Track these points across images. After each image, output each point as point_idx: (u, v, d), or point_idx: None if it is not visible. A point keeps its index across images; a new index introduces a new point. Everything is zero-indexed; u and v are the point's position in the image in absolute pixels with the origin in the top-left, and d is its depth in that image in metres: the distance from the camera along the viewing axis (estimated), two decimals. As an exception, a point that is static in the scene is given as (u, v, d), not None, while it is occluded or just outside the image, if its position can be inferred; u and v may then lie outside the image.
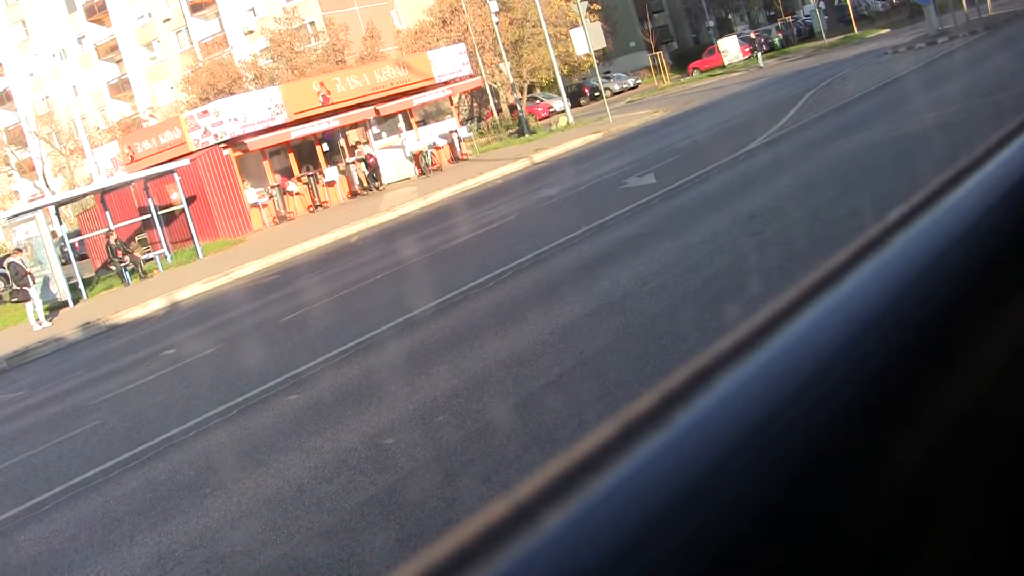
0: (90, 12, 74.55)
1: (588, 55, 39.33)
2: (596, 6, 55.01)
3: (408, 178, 35.69)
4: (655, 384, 0.47)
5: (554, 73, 44.15)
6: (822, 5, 60.27)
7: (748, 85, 37.67)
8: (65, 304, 24.97)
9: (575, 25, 42.26)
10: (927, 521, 0.51)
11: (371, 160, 34.83)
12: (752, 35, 57.91)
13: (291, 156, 34.42)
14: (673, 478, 0.42)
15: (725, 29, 71.05)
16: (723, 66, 57.91)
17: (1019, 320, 0.62)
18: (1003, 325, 0.61)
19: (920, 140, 12.84)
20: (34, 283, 22.85)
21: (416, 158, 36.00)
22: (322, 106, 34.39)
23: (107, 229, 28.16)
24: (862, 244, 0.60)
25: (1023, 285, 0.64)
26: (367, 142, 36.01)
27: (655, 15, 73.63)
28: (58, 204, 32.44)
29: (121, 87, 75.07)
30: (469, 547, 0.39)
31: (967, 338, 0.58)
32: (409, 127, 36.95)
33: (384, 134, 36.67)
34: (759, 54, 53.33)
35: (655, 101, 45.90)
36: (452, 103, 40.57)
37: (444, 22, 55.81)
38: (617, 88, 62.37)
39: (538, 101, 57.15)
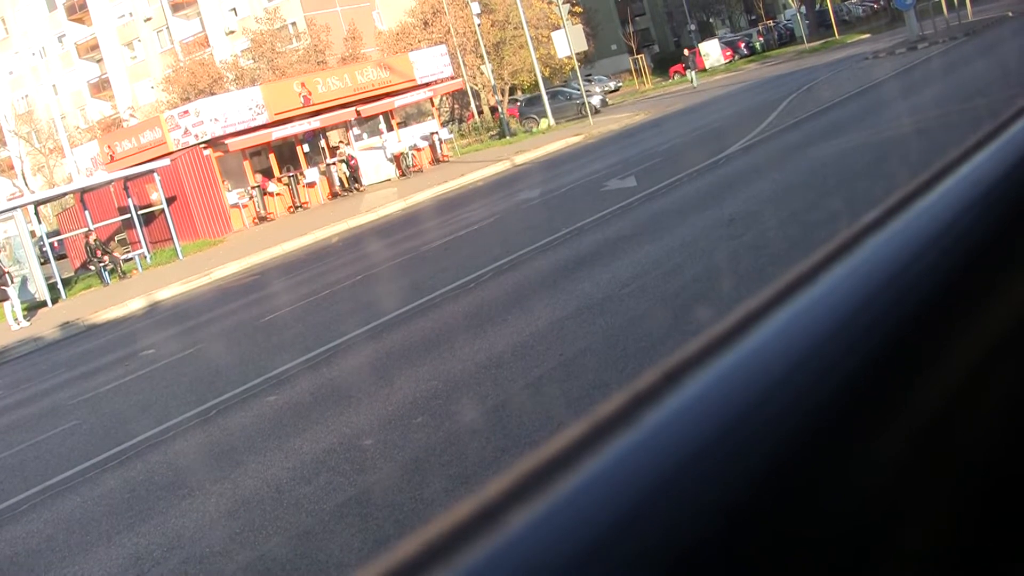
0: (71, 11, 74.21)
1: (569, 58, 39.37)
2: (578, 9, 55.13)
3: (389, 179, 35.64)
4: (627, 383, 0.47)
5: (535, 75, 44.19)
6: (803, 9, 60.53)
7: (729, 89, 37.77)
8: (44, 304, 24.82)
9: (557, 27, 42.29)
10: (899, 521, 0.51)
11: (352, 161, 34.76)
12: (685, 52, 53.98)
13: (272, 157, 34.29)
14: (642, 477, 0.41)
15: (707, 33, 71.33)
16: (704, 69, 58.01)
17: (991, 322, 0.62)
18: (975, 327, 0.61)
19: (899, 145, 12.91)
20: (12, 282, 22.70)
21: (397, 159, 35.96)
22: (303, 107, 34.30)
23: (86, 229, 27.98)
24: (835, 246, 0.60)
25: (996, 287, 0.64)
26: (348, 143, 35.95)
27: (637, 18, 73.91)
28: (37, 203, 32.32)
29: (101, 86, 74.77)
30: (435, 546, 0.38)
31: (939, 340, 0.58)
32: (390, 128, 36.89)
33: (365, 135, 36.61)
34: (693, 72, 49.96)
35: (636, 104, 46.01)
36: (433, 104, 40.54)
37: (426, 23, 55.72)
38: (598, 91, 62.47)
39: (519, 103, 57.16)
